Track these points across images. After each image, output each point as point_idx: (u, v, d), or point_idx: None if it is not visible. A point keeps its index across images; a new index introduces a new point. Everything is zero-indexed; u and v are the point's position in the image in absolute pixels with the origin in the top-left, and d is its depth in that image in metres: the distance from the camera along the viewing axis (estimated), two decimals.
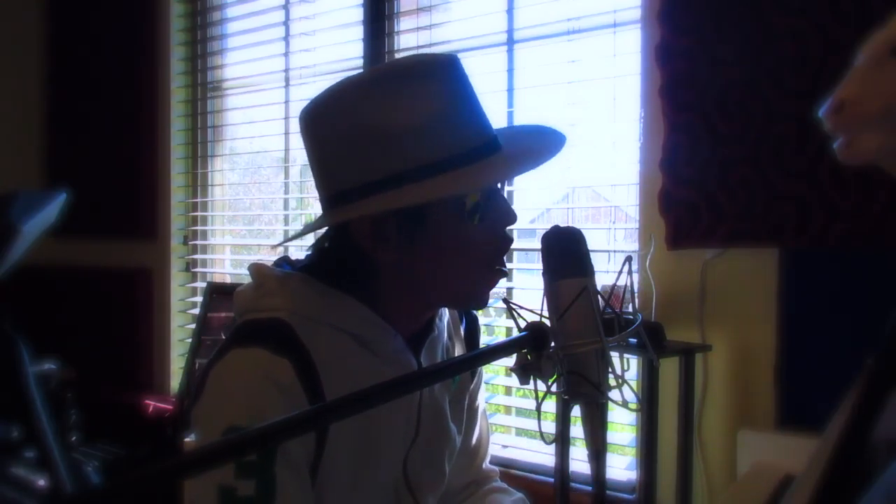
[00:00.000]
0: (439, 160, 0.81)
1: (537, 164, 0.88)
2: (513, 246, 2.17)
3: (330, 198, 0.86)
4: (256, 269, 0.91)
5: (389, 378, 0.87)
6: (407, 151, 0.80)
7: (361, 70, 2.40)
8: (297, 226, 2.66)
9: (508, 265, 2.10)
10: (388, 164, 0.81)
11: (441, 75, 0.83)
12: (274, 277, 0.89)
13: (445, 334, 1.00)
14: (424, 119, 0.81)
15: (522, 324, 0.72)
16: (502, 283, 2.12)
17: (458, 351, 1.05)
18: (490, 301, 0.91)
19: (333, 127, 0.84)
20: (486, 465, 1.15)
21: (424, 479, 0.96)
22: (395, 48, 2.37)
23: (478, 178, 0.82)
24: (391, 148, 0.80)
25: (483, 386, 1.13)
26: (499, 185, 0.88)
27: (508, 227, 0.89)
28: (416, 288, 0.89)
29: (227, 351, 0.83)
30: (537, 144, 0.91)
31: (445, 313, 1.01)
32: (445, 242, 0.84)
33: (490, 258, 0.87)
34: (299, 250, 2.49)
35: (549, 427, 1.80)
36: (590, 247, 0.74)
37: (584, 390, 0.70)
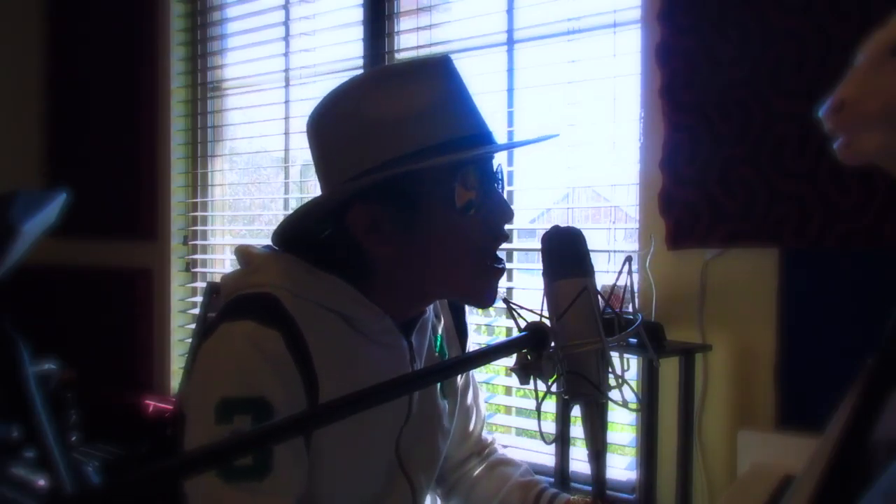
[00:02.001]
0: (432, 145, 0.82)
1: (525, 143, 0.91)
2: (513, 246, 2.17)
3: (338, 185, 0.87)
4: (242, 251, 0.93)
5: (379, 358, 0.90)
6: (402, 139, 0.82)
7: (361, 70, 2.40)
8: None
9: (508, 265, 2.10)
10: (384, 152, 0.83)
11: (435, 72, 0.86)
12: (261, 256, 0.91)
13: (431, 311, 1.01)
14: (419, 109, 0.83)
15: (522, 324, 0.72)
16: (502, 283, 2.12)
17: (445, 325, 1.06)
18: (494, 302, 0.91)
19: (334, 123, 0.86)
20: (484, 434, 1.16)
21: (417, 457, 0.97)
22: (395, 48, 2.37)
23: (466, 154, 0.84)
24: (387, 136, 0.83)
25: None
26: (497, 185, 0.90)
27: (506, 225, 0.90)
28: (410, 281, 0.89)
29: (217, 326, 0.84)
30: (524, 139, 0.94)
31: None
32: (438, 232, 0.85)
33: (482, 252, 0.88)
34: None
35: (549, 427, 1.80)
36: (590, 247, 0.74)
37: (584, 390, 0.70)
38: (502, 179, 0.92)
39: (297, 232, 0.90)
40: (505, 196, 0.93)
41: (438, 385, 1.01)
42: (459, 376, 1.08)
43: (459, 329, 1.09)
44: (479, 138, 0.86)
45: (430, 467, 1.01)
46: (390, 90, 0.84)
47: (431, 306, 1.01)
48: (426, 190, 0.84)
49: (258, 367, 0.80)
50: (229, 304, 0.87)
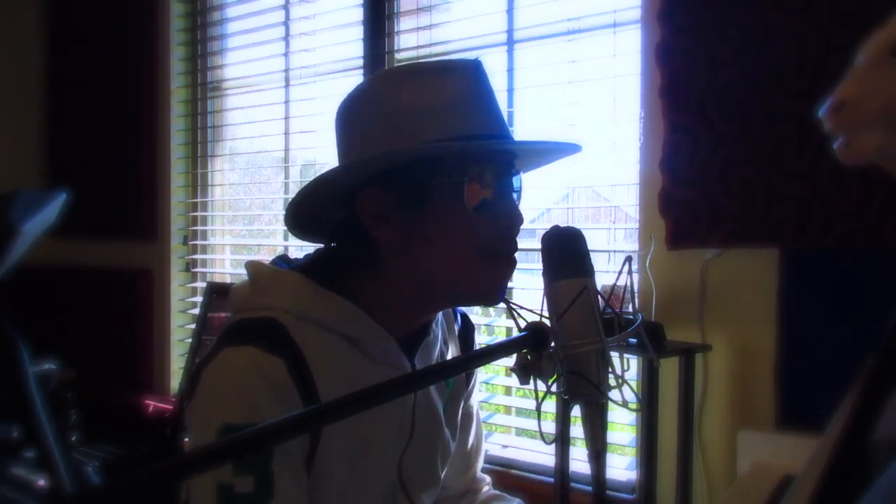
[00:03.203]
0: (449, 138, 0.83)
1: (547, 145, 0.92)
2: None
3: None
4: (253, 267, 0.92)
5: (382, 380, 0.88)
6: (421, 128, 0.83)
7: (361, 70, 2.40)
8: None
9: None
10: (401, 139, 0.83)
11: (464, 71, 0.86)
12: (269, 275, 0.90)
13: (440, 339, 1.00)
14: (442, 102, 0.84)
15: (522, 324, 0.72)
16: None
17: (453, 354, 1.05)
18: (503, 297, 0.88)
19: (358, 108, 0.88)
20: (479, 472, 1.16)
21: (419, 480, 0.97)
22: (395, 48, 2.37)
23: (478, 146, 0.84)
24: (407, 124, 0.83)
25: (477, 390, 1.13)
26: (514, 188, 0.89)
27: (515, 228, 0.89)
28: (415, 279, 0.88)
29: (220, 350, 0.83)
30: (547, 143, 0.94)
31: (441, 318, 1.01)
32: (442, 225, 0.85)
33: (486, 249, 0.86)
34: (298, 251, 2.48)
35: (549, 427, 1.80)
36: (590, 247, 0.74)
37: (584, 390, 0.70)
38: (520, 190, 0.91)
39: (309, 213, 0.90)
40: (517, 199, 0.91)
41: (442, 410, 1.00)
42: (461, 406, 1.07)
43: (466, 345, 1.09)
44: (497, 139, 0.87)
45: (431, 489, 1.01)
46: (418, 82, 0.85)
47: (441, 332, 1.00)
48: (436, 181, 0.84)
49: (261, 393, 0.80)
50: (232, 327, 0.87)
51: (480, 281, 0.87)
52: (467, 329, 1.09)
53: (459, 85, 0.85)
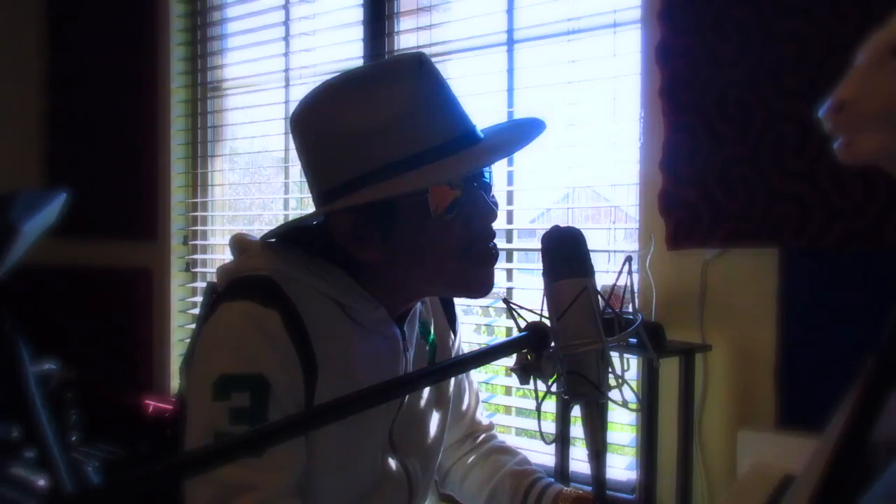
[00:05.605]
0: (404, 158, 0.82)
1: (510, 152, 0.90)
2: (513, 246, 2.15)
3: (318, 197, 0.89)
4: (239, 239, 0.94)
5: (373, 346, 0.91)
6: (374, 152, 0.82)
7: None
8: None
9: (508, 265, 2.10)
10: (357, 165, 0.83)
11: (406, 74, 0.84)
12: (257, 244, 0.93)
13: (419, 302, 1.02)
14: (390, 119, 0.82)
15: (522, 324, 0.72)
16: (502, 283, 2.13)
17: (432, 308, 1.07)
18: (491, 290, 0.92)
19: (312, 131, 0.88)
20: (479, 416, 1.17)
21: (410, 444, 0.98)
22: (395, 48, 2.37)
23: (440, 174, 0.83)
24: (358, 149, 0.83)
25: (460, 341, 1.14)
26: (483, 180, 0.89)
27: (500, 224, 0.90)
28: (399, 282, 0.91)
29: (217, 306, 0.85)
30: (514, 135, 0.91)
31: None
32: (417, 240, 0.86)
33: (466, 250, 0.88)
34: None
35: (549, 427, 1.80)
36: (590, 247, 0.74)
37: (584, 390, 0.70)
38: (490, 176, 0.91)
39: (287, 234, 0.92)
40: (493, 192, 0.92)
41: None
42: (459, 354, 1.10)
43: (448, 310, 1.10)
44: (462, 140, 0.85)
45: (426, 454, 1.02)
46: (361, 99, 0.84)
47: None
48: (401, 202, 0.84)
49: (257, 344, 0.81)
50: (228, 286, 0.89)
51: (467, 281, 0.90)
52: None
53: (406, 92, 0.83)
